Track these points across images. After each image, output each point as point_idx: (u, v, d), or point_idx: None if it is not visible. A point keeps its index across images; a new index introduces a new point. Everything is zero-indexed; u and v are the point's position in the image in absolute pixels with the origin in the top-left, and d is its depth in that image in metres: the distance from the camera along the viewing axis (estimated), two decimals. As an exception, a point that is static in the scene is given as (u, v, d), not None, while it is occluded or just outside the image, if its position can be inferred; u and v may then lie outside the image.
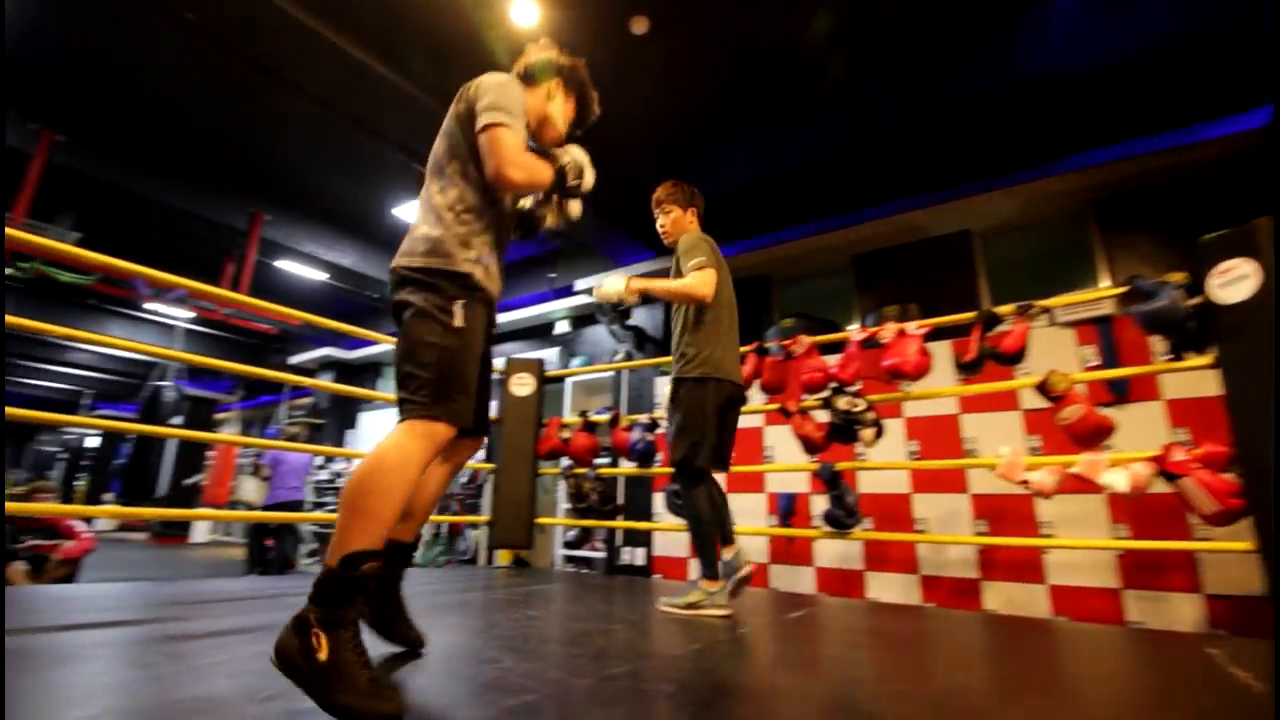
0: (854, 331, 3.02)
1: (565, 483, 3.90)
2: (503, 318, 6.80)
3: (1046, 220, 4.26)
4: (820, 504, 4.00)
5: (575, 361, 5.92)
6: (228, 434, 9.23)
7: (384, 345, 8.07)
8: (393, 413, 1.39)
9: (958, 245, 4.42)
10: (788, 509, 4.15)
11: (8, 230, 2.22)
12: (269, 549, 6.04)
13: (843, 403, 2.90)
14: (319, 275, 6.31)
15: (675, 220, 2.54)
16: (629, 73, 3.69)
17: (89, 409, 12.82)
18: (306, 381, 3.24)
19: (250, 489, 6.27)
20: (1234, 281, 2.14)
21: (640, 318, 5.45)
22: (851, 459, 3.44)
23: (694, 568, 4.45)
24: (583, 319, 6.29)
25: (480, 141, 1.39)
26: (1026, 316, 2.63)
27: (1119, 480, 2.30)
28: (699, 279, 2.24)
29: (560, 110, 1.65)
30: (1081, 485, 2.43)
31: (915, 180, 4.38)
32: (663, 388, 4.94)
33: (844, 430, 2.89)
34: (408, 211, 5.37)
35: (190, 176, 5.00)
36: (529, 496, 3.99)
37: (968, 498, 3.58)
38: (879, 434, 2.86)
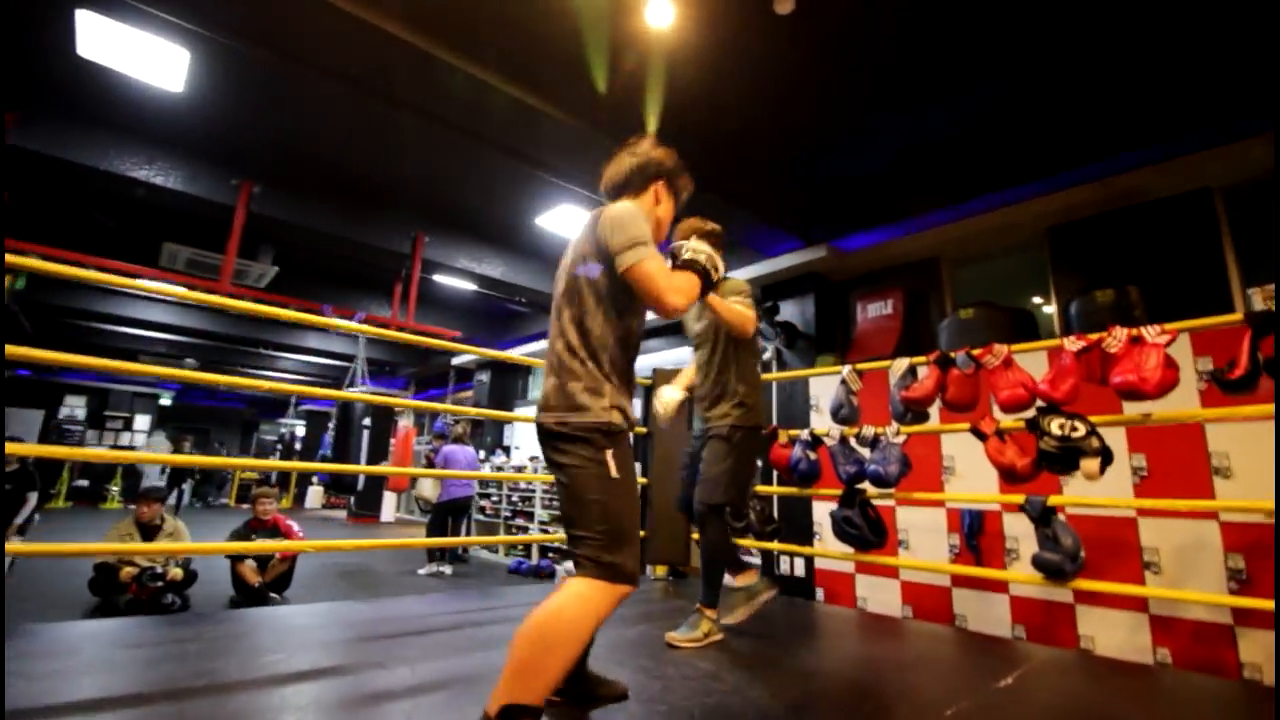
0: (1069, 340, 2.51)
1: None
2: (644, 315, 6.76)
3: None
4: (1016, 524, 3.51)
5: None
6: (406, 425, 10.34)
7: (533, 347, 8.50)
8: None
9: (1193, 208, 3.58)
10: (974, 527, 3.68)
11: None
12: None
13: (1056, 426, 2.44)
14: (470, 286, 6.67)
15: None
16: (775, 55, 3.36)
17: (295, 406, 14.87)
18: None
19: (427, 487, 6.84)
20: None
21: (788, 312, 5.11)
22: (1058, 491, 2.90)
23: (861, 585, 4.14)
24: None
25: (632, 280, 1.44)
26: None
27: None
28: (750, 315, 2.33)
29: (666, 212, 1.69)
30: None
31: (1129, 131, 3.59)
32: (819, 389, 4.59)
33: (1060, 459, 2.43)
34: (548, 221, 5.45)
35: (361, 209, 5.49)
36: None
37: (1216, 525, 2.91)
38: (1106, 464, 2.37)
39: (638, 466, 3.42)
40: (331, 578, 6.04)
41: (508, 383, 9.58)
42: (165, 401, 15.71)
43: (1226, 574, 2.84)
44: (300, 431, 15.83)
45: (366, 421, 11.62)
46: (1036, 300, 4.35)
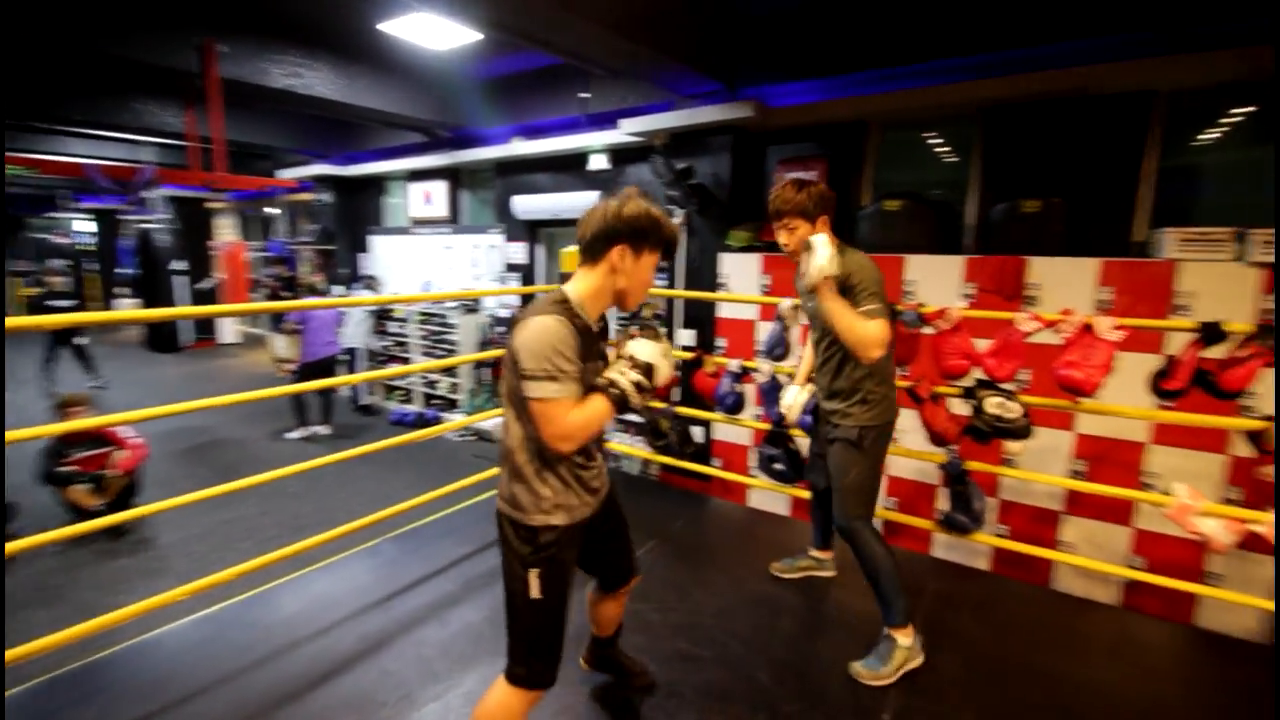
0: (1022, 319, 2.44)
1: (639, 415, 3.64)
2: (525, 147, 5.76)
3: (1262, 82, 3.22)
4: (905, 419, 3.75)
5: (619, 213, 5.14)
6: (226, 228, 8.52)
7: (389, 165, 7.08)
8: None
9: (1132, 110, 3.42)
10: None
11: None
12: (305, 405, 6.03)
13: (994, 405, 2.47)
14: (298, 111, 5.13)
15: (803, 237, 2.03)
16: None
17: (69, 200, 11.83)
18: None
19: (281, 345, 6.01)
20: None
21: (702, 171, 4.54)
22: (998, 463, 2.98)
23: (754, 457, 4.41)
24: (625, 154, 5.30)
25: (530, 412, 1.37)
26: (1265, 344, 2.07)
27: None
28: (878, 334, 1.88)
29: (633, 272, 1.44)
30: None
31: (1086, 18, 3.19)
32: (729, 266, 4.33)
33: (984, 435, 2.52)
34: (397, 28, 4.11)
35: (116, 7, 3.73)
36: (599, 425, 3.76)
37: (1128, 531, 3.19)
38: (1026, 438, 2.49)
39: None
40: (174, 459, 5.37)
41: (359, 203, 8.14)
42: None
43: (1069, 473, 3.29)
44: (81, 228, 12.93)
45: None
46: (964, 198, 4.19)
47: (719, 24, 4.01)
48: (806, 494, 3.22)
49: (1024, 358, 2.47)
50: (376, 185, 7.94)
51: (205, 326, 10.58)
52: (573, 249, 3.76)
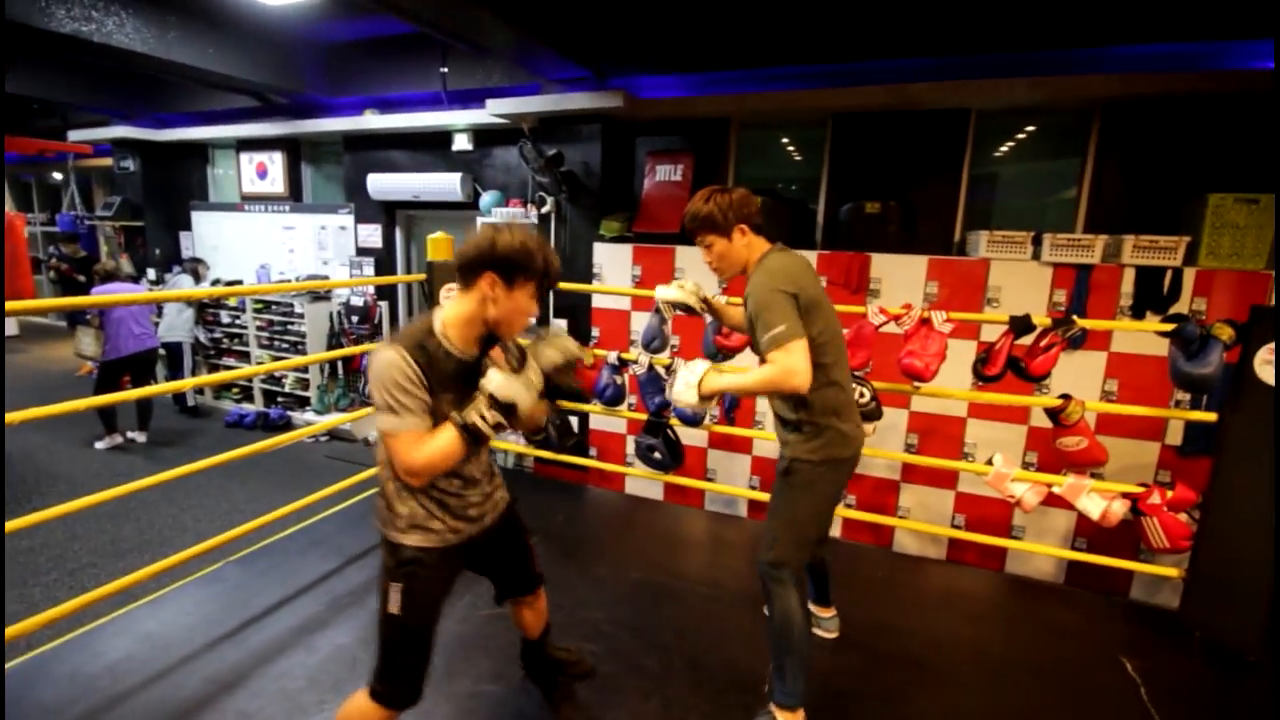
0: (872, 312, 2.70)
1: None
2: (379, 121, 5.32)
3: (1053, 110, 3.80)
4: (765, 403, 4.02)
5: (486, 199, 4.92)
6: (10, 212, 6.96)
7: (212, 131, 6.17)
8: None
9: (952, 124, 3.89)
10: (733, 403, 4.17)
11: None
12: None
13: (848, 392, 2.72)
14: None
15: (723, 254, 1.86)
16: None
17: None
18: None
19: (87, 342, 5.10)
20: (1284, 366, 2.09)
21: (572, 159, 4.48)
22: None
23: (631, 445, 4.50)
24: (491, 136, 5.08)
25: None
26: (1063, 335, 2.47)
27: (1094, 508, 2.49)
28: (788, 363, 1.61)
29: (504, 302, 1.39)
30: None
31: (934, 37, 3.58)
32: (602, 256, 4.35)
33: (843, 418, 2.76)
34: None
35: None
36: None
37: (952, 495, 3.67)
38: (878, 420, 2.78)
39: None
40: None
41: (177, 174, 7.05)
42: None
43: (905, 447, 3.74)
44: None
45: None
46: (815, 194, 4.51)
47: (588, 10, 3.95)
48: (686, 480, 3.35)
49: (873, 347, 2.74)
50: (200, 154, 6.92)
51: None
52: (439, 235, 3.55)
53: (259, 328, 6.14)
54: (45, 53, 5.10)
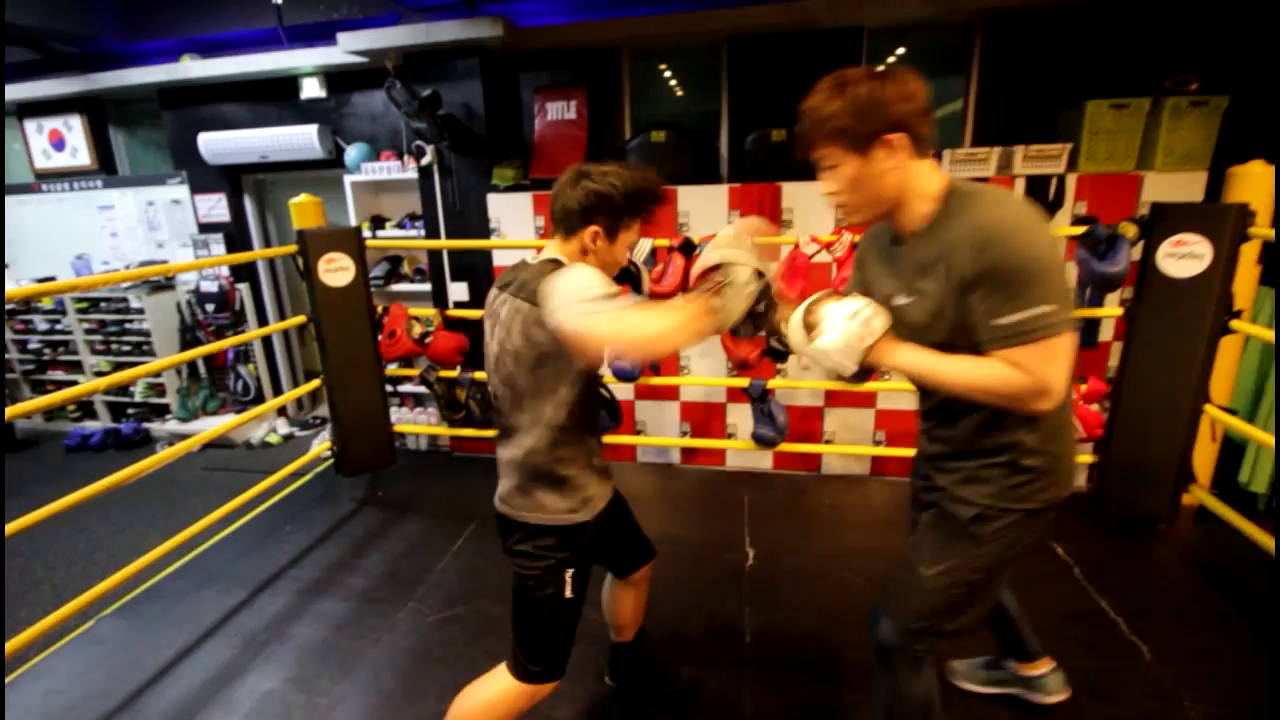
0: (805, 243, 2.61)
1: (428, 388, 3.19)
2: (202, 68, 4.47)
3: (938, 25, 3.82)
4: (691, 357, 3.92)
5: (352, 154, 4.30)
6: None
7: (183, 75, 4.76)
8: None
9: (847, 44, 3.82)
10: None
11: None
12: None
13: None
14: None
15: (857, 181, 1.17)
16: None
17: None
18: None
19: None
20: (1185, 258, 2.23)
21: (451, 100, 3.98)
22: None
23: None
24: (348, 78, 4.41)
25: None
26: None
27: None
28: (1048, 375, 1.03)
29: (607, 254, 1.37)
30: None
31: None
32: (498, 209, 3.96)
33: (781, 355, 2.70)
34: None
35: None
36: (381, 408, 3.25)
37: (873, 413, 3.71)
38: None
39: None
40: None
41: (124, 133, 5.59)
42: None
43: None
44: None
45: None
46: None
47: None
48: (619, 439, 3.16)
49: (809, 278, 2.67)
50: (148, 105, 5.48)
51: None
52: (304, 198, 3.04)
53: (88, 331, 5.17)
54: None
